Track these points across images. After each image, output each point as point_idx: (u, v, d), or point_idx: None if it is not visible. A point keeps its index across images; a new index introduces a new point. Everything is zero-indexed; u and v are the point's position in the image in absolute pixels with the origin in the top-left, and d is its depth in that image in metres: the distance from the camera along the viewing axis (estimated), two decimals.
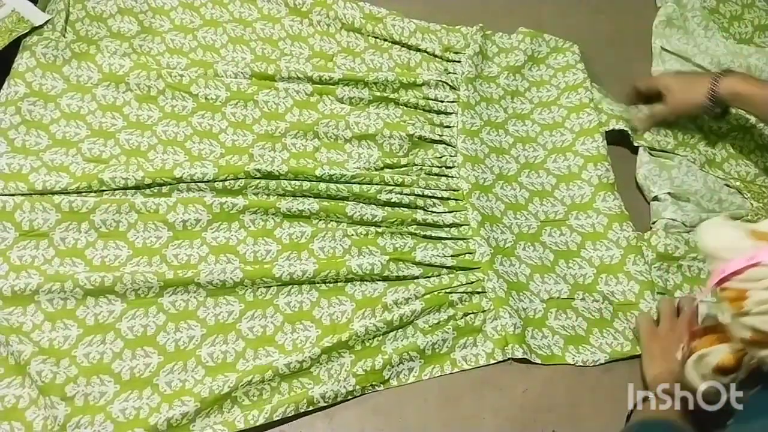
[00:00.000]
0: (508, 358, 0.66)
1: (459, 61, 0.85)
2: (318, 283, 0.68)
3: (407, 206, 0.73)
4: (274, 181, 0.71)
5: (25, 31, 0.74)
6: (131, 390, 0.61)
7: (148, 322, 0.64)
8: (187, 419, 0.59)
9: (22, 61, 0.73)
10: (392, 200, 0.73)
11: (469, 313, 0.68)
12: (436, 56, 0.85)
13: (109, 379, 0.61)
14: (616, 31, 0.88)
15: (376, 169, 0.75)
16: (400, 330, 0.66)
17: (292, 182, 0.71)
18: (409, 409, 0.63)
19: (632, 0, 0.94)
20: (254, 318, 0.66)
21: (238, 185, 0.70)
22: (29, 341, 0.61)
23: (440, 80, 0.82)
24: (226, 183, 0.70)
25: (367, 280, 0.69)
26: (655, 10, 0.93)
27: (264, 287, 0.67)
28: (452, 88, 0.83)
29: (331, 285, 0.68)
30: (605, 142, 0.81)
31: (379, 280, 0.69)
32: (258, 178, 0.70)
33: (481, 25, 0.88)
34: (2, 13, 0.75)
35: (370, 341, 0.65)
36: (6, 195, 0.66)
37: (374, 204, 0.73)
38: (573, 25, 0.89)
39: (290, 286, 0.68)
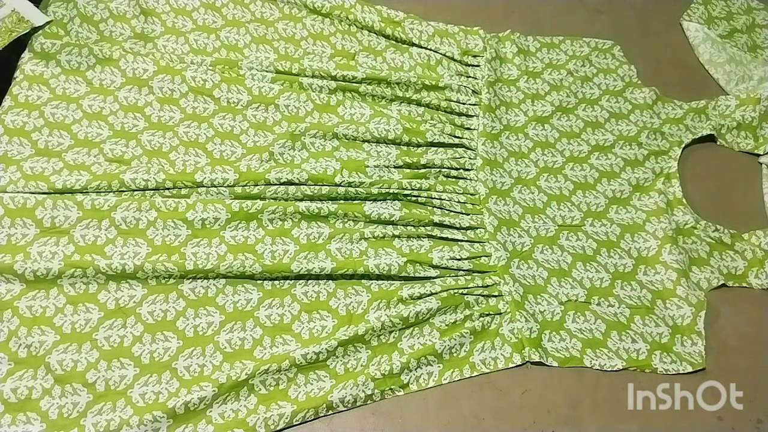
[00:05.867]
0: (526, 362, 0.66)
1: (478, 65, 0.87)
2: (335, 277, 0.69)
3: (424, 205, 0.74)
4: (293, 187, 0.72)
5: (25, 31, 0.75)
6: (150, 374, 0.61)
7: (168, 308, 0.64)
8: (205, 404, 0.59)
9: (47, 70, 0.75)
10: (410, 199, 0.74)
11: (486, 315, 0.68)
12: (454, 60, 0.87)
13: (129, 362, 0.61)
14: (616, 31, 0.89)
15: (395, 167, 0.76)
16: (416, 327, 0.66)
17: (312, 187, 0.72)
18: (409, 410, 0.63)
19: (632, 0, 0.96)
20: (272, 306, 0.66)
21: (258, 190, 0.71)
22: (51, 330, 0.62)
23: (462, 84, 0.84)
24: (246, 188, 0.71)
25: (384, 279, 0.69)
26: (655, 10, 0.94)
27: (282, 278, 0.68)
28: (474, 92, 0.85)
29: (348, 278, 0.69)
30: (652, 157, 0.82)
31: (396, 280, 0.70)
32: (278, 184, 0.72)
33: (509, 31, 0.90)
34: (2, 13, 0.75)
35: (386, 337, 0.66)
36: (27, 192, 0.67)
37: (392, 200, 0.74)
38: (573, 25, 0.90)
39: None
